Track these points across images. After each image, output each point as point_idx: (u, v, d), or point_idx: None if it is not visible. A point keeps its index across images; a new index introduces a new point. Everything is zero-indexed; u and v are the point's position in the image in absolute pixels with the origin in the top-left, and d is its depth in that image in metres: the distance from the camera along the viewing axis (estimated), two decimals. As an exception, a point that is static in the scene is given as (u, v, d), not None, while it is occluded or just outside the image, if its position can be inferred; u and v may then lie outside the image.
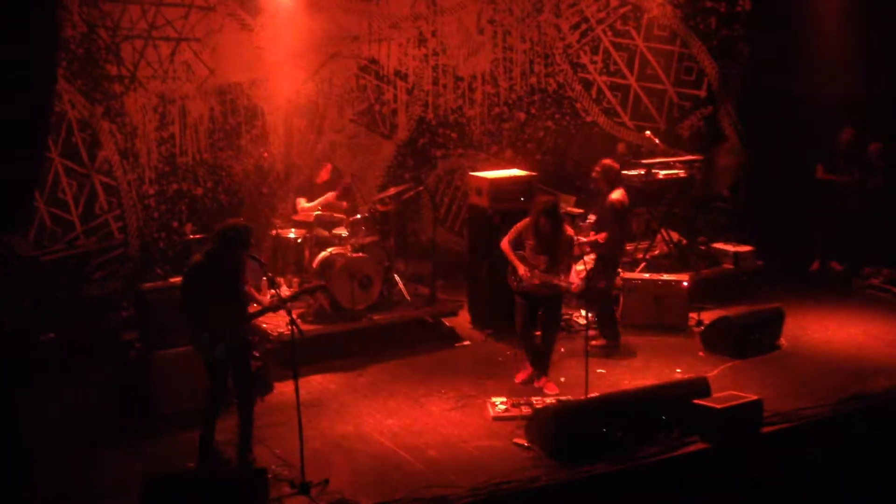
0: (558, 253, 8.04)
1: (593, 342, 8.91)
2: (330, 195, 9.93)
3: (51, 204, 9.55)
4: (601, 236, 8.85)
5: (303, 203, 9.97)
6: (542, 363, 8.38)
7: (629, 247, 10.16)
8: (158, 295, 7.91)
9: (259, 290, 9.69)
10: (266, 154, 10.62)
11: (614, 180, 8.95)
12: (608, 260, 8.99)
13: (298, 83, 10.73)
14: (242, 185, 10.51)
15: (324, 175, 10.02)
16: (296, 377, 6.61)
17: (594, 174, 9.09)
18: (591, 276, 8.79)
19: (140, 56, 9.88)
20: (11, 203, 6.56)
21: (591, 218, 10.77)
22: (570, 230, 8.26)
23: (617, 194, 8.85)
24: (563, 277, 8.10)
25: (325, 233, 9.62)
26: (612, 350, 9.09)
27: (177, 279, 8.06)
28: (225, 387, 6.95)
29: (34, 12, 6.57)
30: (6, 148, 6.44)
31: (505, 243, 8.28)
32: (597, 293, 8.99)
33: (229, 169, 10.45)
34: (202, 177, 10.28)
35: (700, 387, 7.57)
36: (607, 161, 9.08)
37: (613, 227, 8.82)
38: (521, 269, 8.10)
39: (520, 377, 8.48)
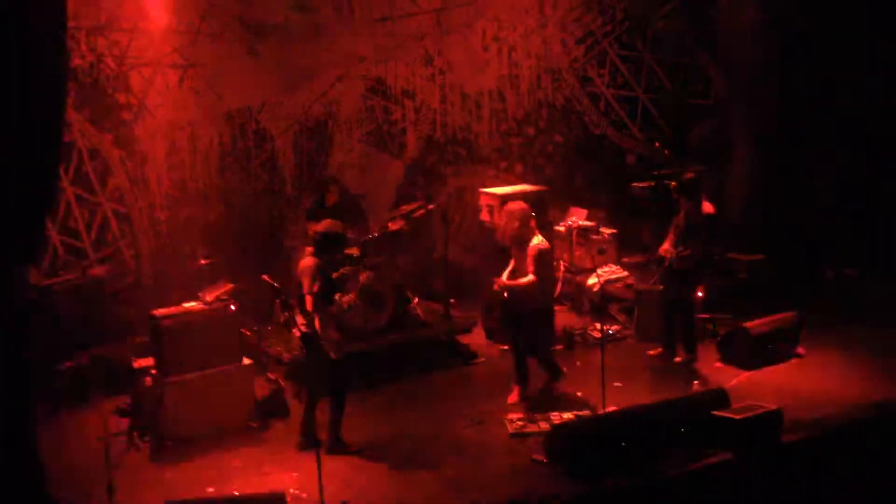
0: (521, 262, 8.19)
1: (677, 359, 8.95)
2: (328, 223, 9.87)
3: (63, 233, 9.59)
4: (688, 250, 8.73)
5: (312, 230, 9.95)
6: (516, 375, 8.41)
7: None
8: (172, 321, 7.92)
9: (272, 312, 9.75)
10: (276, 177, 10.63)
11: (699, 192, 8.90)
12: (694, 272, 8.93)
13: (306, 105, 10.76)
14: (253, 208, 10.52)
15: (332, 197, 10.01)
16: (312, 399, 6.57)
17: (672, 188, 9.03)
18: (669, 287, 8.88)
19: (148, 83, 9.94)
20: (25, 233, 6.57)
21: (604, 231, 10.76)
22: (539, 241, 8.20)
23: (708, 206, 8.86)
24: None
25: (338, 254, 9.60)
26: (691, 363, 8.99)
27: (190, 304, 8.09)
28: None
29: (43, 43, 6.60)
30: (18, 178, 6.47)
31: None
32: (683, 306, 8.95)
33: (240, 192, 10.47)
34: (213, 201, 10.31)
35: (719, 398, 7.52)
36: (688, 174, 9.05)
37: (700, 240, 8.77)
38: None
39: (510, 399, 8.39)
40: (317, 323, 7.33)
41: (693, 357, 9.05)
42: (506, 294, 8.25)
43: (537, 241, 8.21)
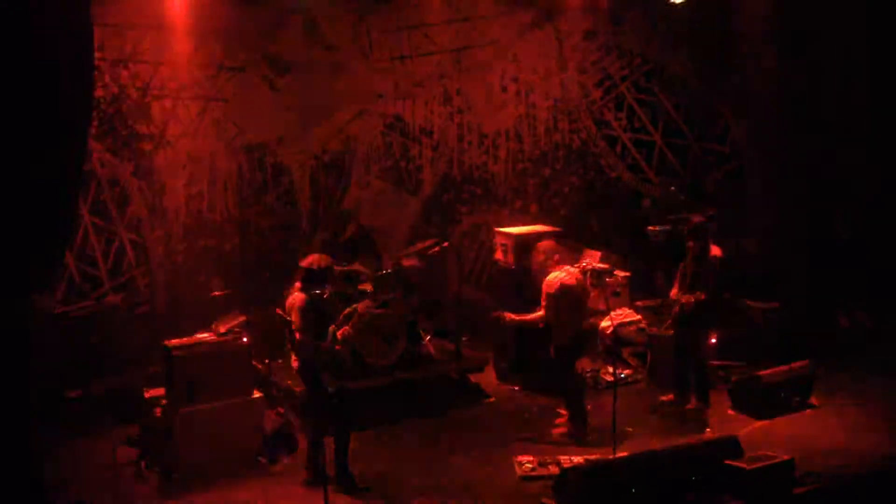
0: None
1: (689, 406, 8.93)
2: (357, 265, 9.92)
3: (80, 260, 9.64)
4: (695, 295, 8.69)
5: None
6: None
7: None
8: (184, 351, 7.94)
9: (284, 345, 9.74)
10: (292, 210, 10.69)
11: (707, 235, 8.92)
12: (704, 317, 8.90)
13: (324, 140, 10.85)
14: (268, 240, 10.57)
15: (347, 233, 10.06)
16: (319, 436, 6.55)
17: (686, 232, 9.07)
18: (680, 331, 8.92)
19: (170, 115, 10.04)
20: (43, 261, 6.62)
21: (619, 274, 10.75)
22: (553, 277, 8.29)
23: (716, 249, 8.88)
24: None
25: (350, 288, 9.62)
26: (704, 410, 8.94)
27: (203, 335, 8.11)
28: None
29: (68, 73, 6.70)
30: (39, 206, 6.53)
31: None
32: (693, 351, 8.95)
33: (256, 225, 10.53)
34: (230, 233, 10.36)
35: (730, 446, 7.45)
36: (697, 218, 9.11)
37: (715, 283, 8.77)
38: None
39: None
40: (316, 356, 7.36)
41: (706, 404, 8.99)
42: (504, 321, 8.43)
43: (553, 276, 8.25)
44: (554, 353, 8.44)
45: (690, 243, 8.92)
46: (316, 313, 7.43)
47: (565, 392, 8.56)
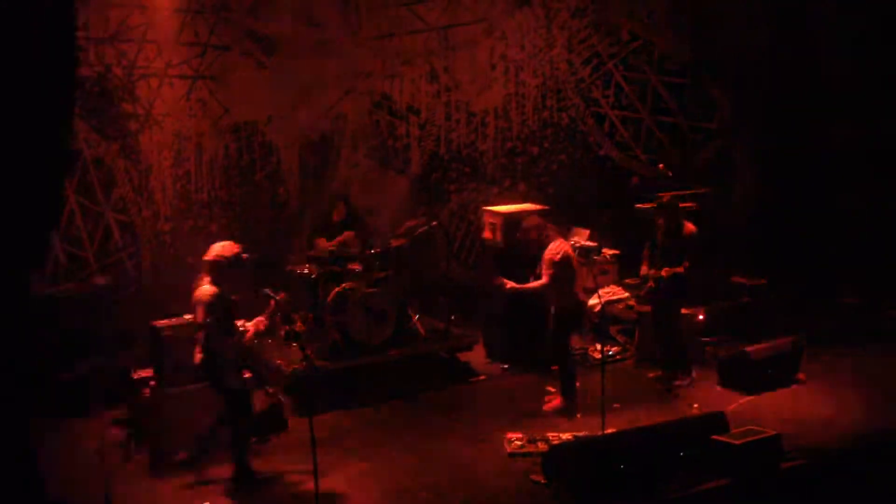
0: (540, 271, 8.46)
1: (677, 382, 9.00)
2: (348, 234, 9.91)
3: (66, 241, 9.59)
4: (681, 267, 8.78)
5: (323, 244, 9.97)
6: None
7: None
8: (172, 332, 7.92)
9: (274, 325, 9.73)
10: (281, 190, 10.66)
11: (678, 211, 9.03)
12: (677, 293, 9.00)
13: (312, 120, 10.79)
14: (256, 220, 10.53)
15: (338, 215, 10.02)
16: (310, 414, 6.56)
17: (659, 208, 9.19)
18: (656, 308, 9.03)
19: (156, 94, 9.97)
20: (29, 241, 6.59)
21: (606, 252, 10.76)
22: (553, 248, 8.38)
23: (691, 226, 8.96)
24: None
25: (339, 268, 9.62)
26: (690, 386, 9.04)
27: (190, 316, 8.09)
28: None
29: (52, 52, 6.64)
30: (24, 186, 6.49)
31: None
32: (668, 327, 9.05)
33: (244, 205, 10.48)
34: (217, 213, 10.32)
35: (718, 422, 7.49)
36: (667, 196, 9.18)
37: (696, 257, 8.84)
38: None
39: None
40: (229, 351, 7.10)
41: (690, 379, 9.04)
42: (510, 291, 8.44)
43: (555, 244, 8.43)
44: (554, 323, 8.51)
45: (660, 220, 9.05)
46: (224, 308, 7.10)
47: (561, 362, 8.59)
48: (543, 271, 8.38)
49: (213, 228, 10.32)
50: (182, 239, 10.18)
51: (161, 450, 7.69)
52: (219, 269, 7.11)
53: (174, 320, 8.03)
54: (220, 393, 7.21)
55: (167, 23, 9.92)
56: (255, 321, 7.25)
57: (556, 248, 8.43)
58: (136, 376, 8.25)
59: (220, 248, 7.21)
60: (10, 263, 6.40)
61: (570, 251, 8.56)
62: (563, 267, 8.37)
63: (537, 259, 8.55)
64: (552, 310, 8.50)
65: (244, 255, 7.32)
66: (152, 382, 8.00)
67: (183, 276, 9.89)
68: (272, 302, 7.32)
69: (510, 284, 8.53)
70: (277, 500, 6.92)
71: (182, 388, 7.78)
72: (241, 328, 7.25)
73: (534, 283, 8.46)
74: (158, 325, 7.97)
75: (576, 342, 9.70)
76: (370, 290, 9.21)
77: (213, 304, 6.99)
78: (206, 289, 7.06)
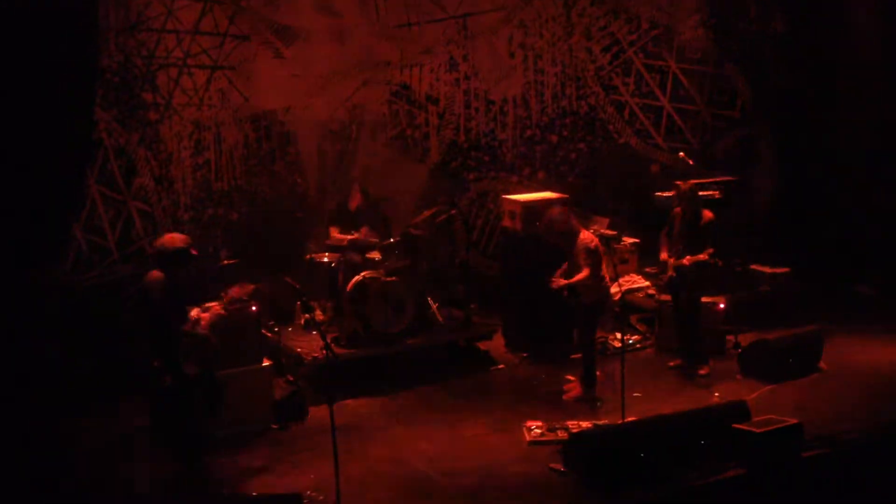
0: (573, 262, 8.41)
1: (700, 371, 8.98)
2: (363, 230, 9.90)
3: (88, 231, 9.65)
4: (705, 254, 8.74)
5: (336, 233, 9.99)
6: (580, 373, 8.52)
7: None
8: (193, 320, 7.94)
9: (293, 313, 9.78)
10: (300, 179, 10.68)
11: (698, 200, 9.02)
12: (696, 281, 8.97)
13: (331, 109, 10.80)
14: (277, 210, 10.57)
15: (354, 201, 10.02)
16: (330, 402, 6.59)
17: (675, 196, 9.13)
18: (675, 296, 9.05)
19: (175, 84, 10.01)
20: (52, 231, 6.65)
21: (626, 240, 10.73)
22: (584, 238, 8.40)
23: (709, 213, 8.93)
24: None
25: (359, 257, 9.64)
26: (710, 374, 9.02)
27: (211, 304, 8.14)
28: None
29: (73, 43, 6.69)
30: (47, 176, 6.55)
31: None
32: (687, 315, 9.04)
33: (264, 194, 10.52)
34: (237, 202, 10.36)
35: (739, 410, 7.47)
36: (687, 183, 9.11)
37: (715, 245, 8.83)
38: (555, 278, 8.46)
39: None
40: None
41: (707, 367, 9.01)
42: (566, 293, 8.39)
43: (586, 233, 8.51)
44: (585, 313, 8.51)
45: (678, 209, 9.00)
46: (174, 296, 7.07)
47: (587, 350, 8.57)
48: (582, 261, 8.34)
49: (234, 217, 10.36)
50: (202, 228, 10.22)
51: (185, 435, 7.73)
52: (159, 259, 7.14)
53: (195, 309, 8.07)
54: (170, 381, 7.09)
55: (186, 13, 9.95)
56: (211, 310, 7.20)
57: (589, 236, 8.48)
58: (157, 364, 8.29)
59: (166, 240, 7.26)
60: (32, 253, 6.47)
61: (597, 240, 8.61)
62: (598, 255, 8.41)
63: (557, 248, 8.54)
64: (582, 299, 8.44)
65: (193, 251, 7.26)
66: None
67: (203, 264, 10.00)
68: (233, 291, 7.33)
69: (562, 282, 8.44)
70: (298, 487, 6.95)
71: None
72: (196, 316, 7.24)
73: (580, 276, 8.36)
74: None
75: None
76: (389, 279, 9.22)
77: (164, 291, 6.98)
78: (152, 274, 7.10)
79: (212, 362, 7.37)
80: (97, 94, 9.37)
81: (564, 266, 8.55)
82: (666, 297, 9.53)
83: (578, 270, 8.36)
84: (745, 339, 9.42)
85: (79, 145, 7.12)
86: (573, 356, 9.15)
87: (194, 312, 7.34)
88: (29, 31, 6.47)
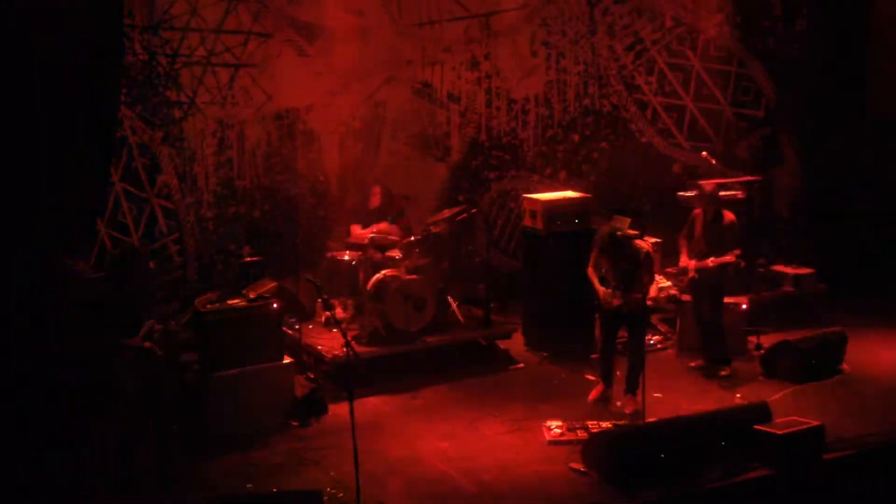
0: (628, 272, 8.20)
1: (722, 372, 8.94)
2: (383, 224, 9.94)
3: (111, 227, 9.73)
4: (731, 255, 8.73)
5: (358, 230, 10.03)
6: (627, 380, 8.35)
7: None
8: (216, 317, 8.02)
9: (314, 311, 9.82)
10: (322, 177, 10.71)
11: (720, 201, 9.00)
12: (717, 283, 8.96)
13: (353, 107, 10.82)
14: (299, 208, 10.61)
15: (375, 200, 10.05)
16: (351, 399, 6.61)
17: (697, 197, 9.12)
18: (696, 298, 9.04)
19: (199, 82, 10.07)
20: (76, 228, 6.70)
21: (648, 240, 10.68)
22: (642, 244, 8.36)
23: (731, 214, 8.91)
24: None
25: (379, 255, 9.66)
26: (732, 376, 8.98)
27: (235, 301, 8.20)
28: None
29: (98, 41, 6.73)
30: (71, 173, 6.60)
31: (589, 269, 8.46)
32: (708, 317, 9.01)
33: (286, 192, 10.56)
34: (259, 200, 10.41)
35: (761, 412, 7.44)
36: (710, 184, 9.10)
37: (739, 246, 8.82)
38: (601, 293, 8.27)
39: (592, 395, 8.49)
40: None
41: (729, 368, 8.96)
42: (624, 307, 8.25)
43: (638, 241, 8.45)
44: (639, 315, 8.40)
45: (698, 210, 8.99)
46: (123, 306, 6.96)
47: (639, 354, 8.34)
48: (648, 268, 8.27)
49: (256, 214, 10.41)
50: (225, 225, 10.28)
51: (207, 432, 7.80)
52: (113, 267, 7.15)
53: (216, 306, 8.13)
54: (120, 396, 6.90)
55: (210, 11, 10.00)
56: (147, 323, 6.96)
57: (641, 242, 8.44)
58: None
59: (120, 250, 7.30)
60: (57, 250, 6.52)
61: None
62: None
63: (576, 246, 8.48)
64: (623, 301, 8.22)
65: (146, 261, 7.21)
66: (196, 366, 8.11)
67: (225, 261, 10.07)
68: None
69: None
70: (318, 483, 6.97)
71: (224, 373, 7.88)
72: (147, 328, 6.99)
73: (650, 286, 8.46)
74: (203, 310, 8.07)
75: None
76: (410, 277, 9.23)
77: (113, 301, 6.93)
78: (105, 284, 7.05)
79: (159, 378, 7.05)
80: (122, 91, 9.43)
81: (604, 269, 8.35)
82: (687, 298, 9.48)
83: (637, 276, 8.20)
84: (768, 340, 9.38)
85: (103, 142, 7.16)
86: (593, 356, 9.12)
87: (148, 323, 7.04)
88: (54, 28, 6.51)
